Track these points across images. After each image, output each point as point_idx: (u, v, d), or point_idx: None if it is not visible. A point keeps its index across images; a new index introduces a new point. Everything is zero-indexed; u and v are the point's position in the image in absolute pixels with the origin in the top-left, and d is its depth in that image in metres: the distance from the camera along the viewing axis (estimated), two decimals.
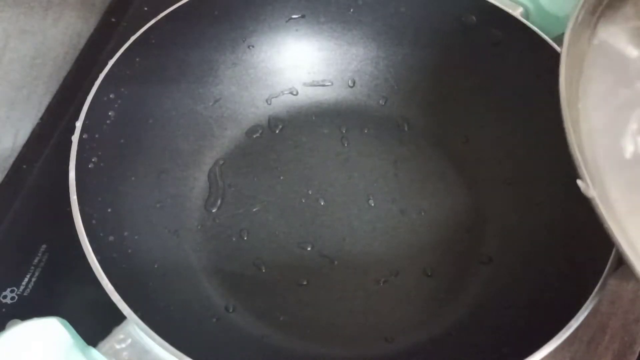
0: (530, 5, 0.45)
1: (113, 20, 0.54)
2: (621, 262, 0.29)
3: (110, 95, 0.40)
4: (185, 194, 0.43)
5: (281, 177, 0.45)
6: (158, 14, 0.42)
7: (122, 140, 0.41)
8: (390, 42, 0.48)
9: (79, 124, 0.38)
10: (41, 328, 0.31)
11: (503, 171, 0.44)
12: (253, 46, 0.47)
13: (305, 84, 0.49)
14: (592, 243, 0.32)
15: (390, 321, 0.40)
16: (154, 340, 0.32)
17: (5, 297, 0.40)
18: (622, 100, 0.31)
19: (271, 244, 0.43)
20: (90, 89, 0.39)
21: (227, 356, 0.36)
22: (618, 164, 0.29)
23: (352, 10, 0.47)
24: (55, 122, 0.48)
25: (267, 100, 0.48)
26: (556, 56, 0.31)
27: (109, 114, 0.40)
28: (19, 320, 0.32)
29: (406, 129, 0.47)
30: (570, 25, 0.31)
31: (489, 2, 0.43)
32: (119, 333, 0.32)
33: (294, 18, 0.47)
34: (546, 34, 0.40)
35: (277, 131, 0.47)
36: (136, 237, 0.38)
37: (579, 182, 0.28)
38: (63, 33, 0.50)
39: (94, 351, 0.32)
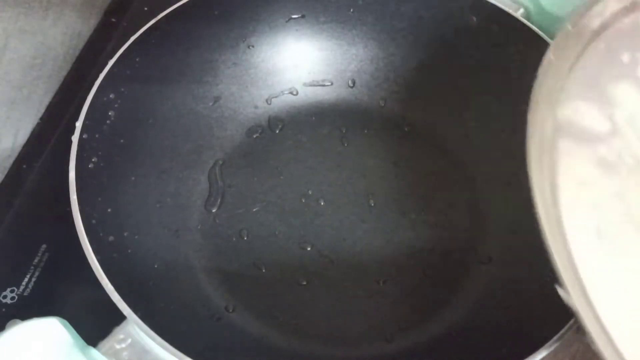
0: (530, 6, 0.45)
1: (113, 20, 0.54)
2: None
3: (110, 95, 0.40)
4: (185, 194, 0.43)
5: (281, 177, 0.45)
6: (158, 14, 0.42)
7: (122, 140, 0.41)
8: (390, 42, 0.48)
9: (79, 124, 0.38)
10: (41, 328, 0.31)
11: (503, 171, 0.44)
12: (253, 46, 0.47)
13: (305, 84, 0.49)
14: None
15: (390, 321, 0.40)
16: (154, 340, 0.32)
17: (5, 297, 0.40)
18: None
19: (271, 244, 0.43)
20: (90, 89, 0.39)
21: (227, 356, 0.36)
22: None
23: (352, 10, 0.47)
24: (55, 122, 0.48)
25: (267, 100, 0.48)
26: None
27: (109, 114, 0.40)
28: (19, 320, 0.32)
29: (406, 129, 0.47)
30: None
31: (489, 3, 0.43)
32: (119, 333, 0.32)
33: (294, 18, 0.47)
34: (546, 34, 0.40)
35: (277, 131, 0.47)
36: (136, 237, 0.38)
37: (558, 288, 0.25)
38: (63, 33, 0.50)
39: (94, 351, 0.32)
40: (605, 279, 0.26)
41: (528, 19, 0.43)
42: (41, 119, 0.48)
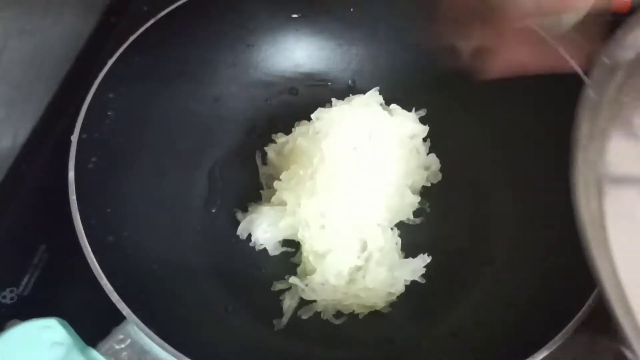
0: None
1: (113, 20, 0.54)
2: None
3: (110, 95, 0.40)
4: (185, 194, 0.43)
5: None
6: (158, 14, 0.42)
7: (121, 140, 0.41)
8: (390, 43, 0.48)
9: (78, 124, 0.38)
10: (41, 328, 0.31)
11: (503, 172, 0.44)
12: (252, 46, 0.47)
13: (305, 84, 0.49)
14: None
15: (390, 321, 0.40)
16: (153, 340, 0.31)
17: (4, 297, 0.40)
18: None
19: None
20: (89, 89, 0.39)
21: (227, 356, 0.36)
22: None
23: (352, 10, 0.47)
24: (54, 122, 0.48)
25: (267, 100, 0.48)
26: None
27: (109, 113, 0.40)
28: (19, 320, 0.32)
29: None
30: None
31: None
32: (118, 333, 0.32)
33: (294, 18, 0.47)
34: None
35: (276, 131, 0.47)
36: (136, 237, 0.38)
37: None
38: (63, 33, 0.50)
39: (93, 351, 0.32)
40: None
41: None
42: (41, 119, 0.48)
